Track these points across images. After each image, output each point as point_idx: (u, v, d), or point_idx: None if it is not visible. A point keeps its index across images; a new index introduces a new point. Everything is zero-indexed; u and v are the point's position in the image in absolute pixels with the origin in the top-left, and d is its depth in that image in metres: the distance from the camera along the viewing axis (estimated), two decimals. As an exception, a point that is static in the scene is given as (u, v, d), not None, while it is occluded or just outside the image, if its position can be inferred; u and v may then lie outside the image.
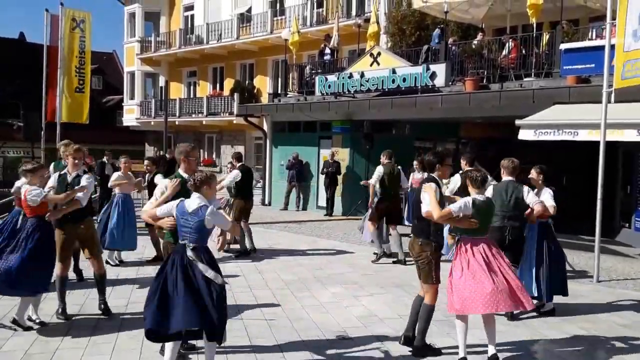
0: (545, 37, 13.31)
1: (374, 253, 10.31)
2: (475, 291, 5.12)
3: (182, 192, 5.20)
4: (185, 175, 5.42)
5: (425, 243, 5.48)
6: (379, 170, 10.14)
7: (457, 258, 5.37)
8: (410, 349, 5.60)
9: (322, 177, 16.94)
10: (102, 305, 6.66)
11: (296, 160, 17.61)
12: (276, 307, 7.15)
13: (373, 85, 15.11)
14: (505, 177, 6.82)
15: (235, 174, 10.23)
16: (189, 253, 4.74)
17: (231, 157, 11.22)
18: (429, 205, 5.31)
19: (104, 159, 15.61)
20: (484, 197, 5.44)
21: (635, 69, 8.53)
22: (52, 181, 6.50)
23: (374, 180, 10.16)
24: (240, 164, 10.62)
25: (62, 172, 6.52)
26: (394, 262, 10.02)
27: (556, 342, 6.09)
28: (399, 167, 12.30)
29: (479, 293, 5.10)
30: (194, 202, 4.81)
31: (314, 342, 5.88)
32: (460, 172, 8.51)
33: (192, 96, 30.12)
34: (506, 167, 6.74)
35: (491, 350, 5.30)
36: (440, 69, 13.87)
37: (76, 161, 6.50)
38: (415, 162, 12.96)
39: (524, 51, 13.39)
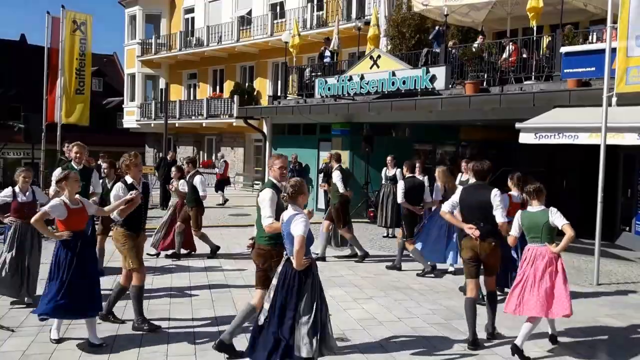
0: (546, 40, 13.30)
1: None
2: (522, 296, 5.72)
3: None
4: (275, 182, 5.52)
5: (497, 243, 6.08)
6: (339, 174, 10.21)
7: (522, 263, 5.91)
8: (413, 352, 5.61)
9: (320, 180, 16.91)
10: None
11: (295, 163, 17.51)
12: (275, 309, 7.12)
13: (373, 87, 15.09)
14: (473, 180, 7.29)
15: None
16: (282, 264, 4.89)
17: (185, 162, 10.75)
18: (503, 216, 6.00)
19: (99, 162, 15.43)
20: (536, 208, 5.84)
21: (640, 75, 8.57)
22: (119, 191, 6.11)
23: (342, 188, 10.14)
24: (195, 170, 10.37)
25: (129, 183, 6.19)
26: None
27: (555, 345, 6.07)
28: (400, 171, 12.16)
29: (525, 298, 5.69)
30: (288, 212, 4.88)
31: (313, 345, 5.85)
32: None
33: (192, 98, 30.17)
34: (474, 170, 7.00)
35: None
36: (440, 71, 13.85)
37: (138, 168, 6.32)
38: (416, 165, 12.89)
39: (524, 54, 13.38)
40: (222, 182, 19.85)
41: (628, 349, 6.04)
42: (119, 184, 6.21)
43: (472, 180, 7.30)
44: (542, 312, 5.60)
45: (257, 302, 5.40)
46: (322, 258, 10.18)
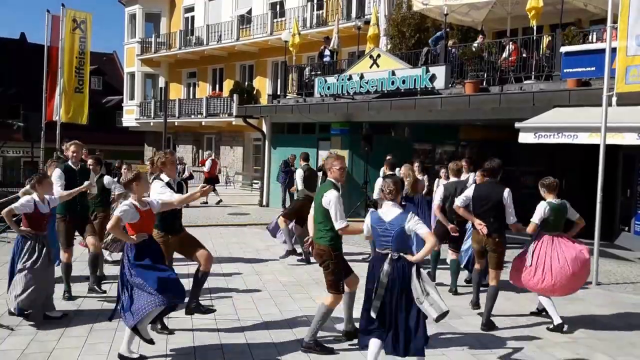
0: (546, 40, 13.30)
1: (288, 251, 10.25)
2: (535, 275, 6.52)
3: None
4: (335, 182, 5.65)
5: (501, 238, 6.61)
6: (299, 172, 10.67)
7: (537, 247, 6.59)
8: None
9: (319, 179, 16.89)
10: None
11: (292, 163, 17.21)
12: (273, 308, 7.12)
13: (372, 87, 15.09)
14: (452, 178, 8.07)
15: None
16: (387, 264, 4.84)
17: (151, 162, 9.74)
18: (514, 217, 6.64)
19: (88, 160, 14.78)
20: (558, 200, 6.64)
21: (640, 74, 8.58)
22: (157, 188, 5.88)
23: (301, 186, 10.44)
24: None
25: (166, 181, 6.00)
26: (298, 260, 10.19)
27: (554, 345, 6.07)
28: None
29: (539, 278, 6.49)
30: (391, 211, 4.93)
31: (312, 344, 5.85)
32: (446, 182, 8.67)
33: (191, 97, 30.15)
34: (451, 169, 8.07)
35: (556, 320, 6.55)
36: (440, 71, 13.85)
37: (174, 165, 6.21)
38: (415, 164, 12.89)
39: (524, 54, 13.37)
40: (210, 181, 19.77)
41: (626, 350, 6.04)
42: (158, 182, 6.00)
43: (453, 179, 8.07)
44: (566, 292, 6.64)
45: (330, 303, 5.60)
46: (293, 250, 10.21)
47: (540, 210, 6.56)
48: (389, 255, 4.84)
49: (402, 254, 4.83)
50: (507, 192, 6.58)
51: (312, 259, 9.93)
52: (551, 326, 6.58)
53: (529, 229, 6.60)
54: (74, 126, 17.37)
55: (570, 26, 13.14)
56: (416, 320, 4.78)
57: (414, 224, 4.81)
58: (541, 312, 7.01)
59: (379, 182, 9.71)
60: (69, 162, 7.47)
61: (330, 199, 5.45)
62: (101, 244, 7.97)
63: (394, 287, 4.79)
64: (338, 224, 5.39)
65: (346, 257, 5.85)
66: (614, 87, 9.06)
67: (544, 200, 6.67)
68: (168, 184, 5.99)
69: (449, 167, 8.24)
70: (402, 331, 4.77)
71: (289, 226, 10.14)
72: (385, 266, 4.82)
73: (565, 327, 6.47)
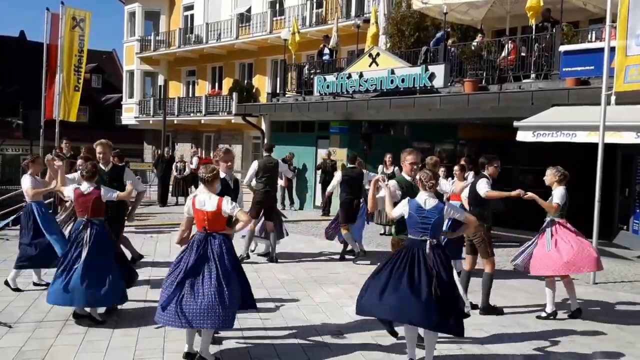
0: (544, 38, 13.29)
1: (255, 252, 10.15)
2: (551, 258, 6.79)
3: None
4: (408, 178, 5.79)
5: (481, 225, 6.72)
6: (254, 165, 9.93)
7: (549, 234, 6.93)
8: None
9: (318, 177, 16.90)
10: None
11: (291, 162, 17.15)
12: (271, 306, 7.13)
13: (371, 85, 15.08)
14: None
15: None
16: (428, 249, 5.08)
17: (113, 155, 8.91)
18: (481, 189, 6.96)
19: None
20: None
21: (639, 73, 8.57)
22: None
23: (247, 178, 9.81)
24: (122, 164, 9.01)
25: (224, 177, 6.08)
26: (268, 260, 9.93)
27: (552, 344, 6.08)
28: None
29: (554, 260, 6.78)
30: (429, 200, 5.21)
31: (309, 342, 5.87)
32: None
33: (190, 95, 30.14)
34: (428, 163, 8.16)
35: (574, 305, 7.03)
36: (439, 70, 13.85)
37: (229, 164, 6.27)
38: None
39: (523, 53, 13.38)
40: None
41: (625, 349, 6.05)
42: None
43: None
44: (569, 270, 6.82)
45: None
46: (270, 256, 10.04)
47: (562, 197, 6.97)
48: (428, 242, 5.09)
49: (431, 240, 5.11)
50: (479, 180, 7.01)
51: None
52: (543, 314, 6.98)
53: (553, 210, 6.94)
54: (73, 124, 17.36)
55: (566, 23, 13.15)
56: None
57: (455, 213, 5.36)
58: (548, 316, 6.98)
59: (337, 176, 10.07)
60: (100, 165, 6.93)
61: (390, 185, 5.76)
62: None
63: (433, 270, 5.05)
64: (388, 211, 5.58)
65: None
66: (612, 86, 9.06)
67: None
68: (224, 180, 6.09)
69: (426, 161, 8.31)
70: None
71: (259, 225, 9.88)
72: (427, 251, 5.08)
73: (557, 314, 6.93)
